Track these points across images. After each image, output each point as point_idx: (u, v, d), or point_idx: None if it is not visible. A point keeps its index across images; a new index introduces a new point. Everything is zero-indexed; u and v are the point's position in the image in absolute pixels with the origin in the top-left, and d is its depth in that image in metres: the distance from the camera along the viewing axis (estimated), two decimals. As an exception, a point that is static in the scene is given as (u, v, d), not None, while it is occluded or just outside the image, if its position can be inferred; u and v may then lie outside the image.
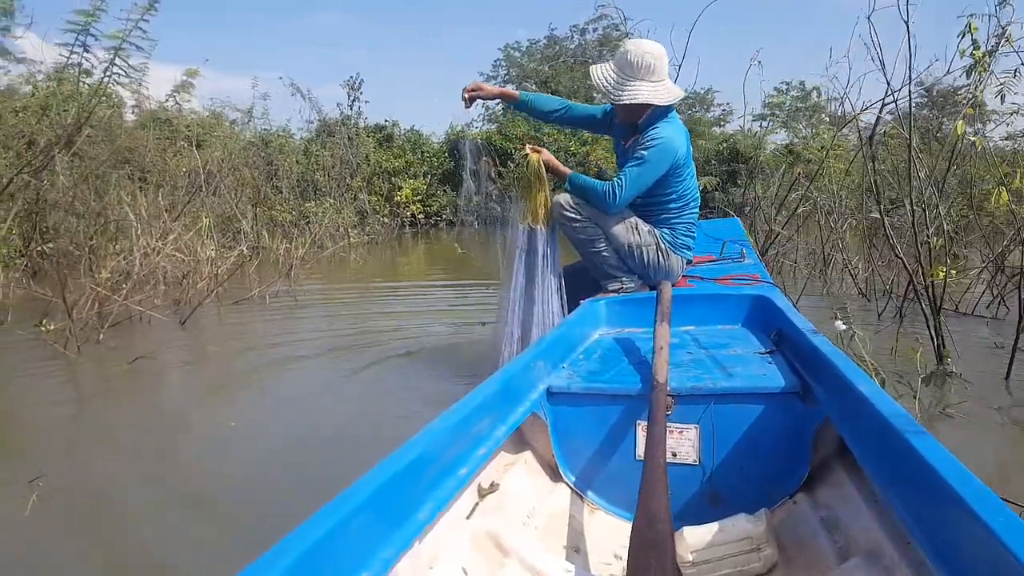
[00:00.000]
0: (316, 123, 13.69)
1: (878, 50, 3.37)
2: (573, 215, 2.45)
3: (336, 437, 2.32)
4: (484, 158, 2.85)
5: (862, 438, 1.16)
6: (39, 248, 6.10)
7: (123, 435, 2.36)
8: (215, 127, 10.48)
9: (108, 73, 4.29)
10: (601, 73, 2.39)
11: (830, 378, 1.34)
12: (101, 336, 3.57)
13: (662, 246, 2.49)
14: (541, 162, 2.49)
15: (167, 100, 6.48)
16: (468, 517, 1.18)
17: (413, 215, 14.31)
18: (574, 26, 24.85)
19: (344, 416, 2.51)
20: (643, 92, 2.33)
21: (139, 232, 5.41)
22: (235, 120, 11.85)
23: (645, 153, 2.35)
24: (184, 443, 2.28)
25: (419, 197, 14.56)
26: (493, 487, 1.27)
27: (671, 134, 2.38)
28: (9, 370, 3.15)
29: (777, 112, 24.16)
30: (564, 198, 2.48)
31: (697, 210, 2.63)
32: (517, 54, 25.17)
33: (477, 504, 1.22)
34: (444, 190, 15.37)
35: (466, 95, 2.55)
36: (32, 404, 2.71)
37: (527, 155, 2.50)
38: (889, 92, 3.55)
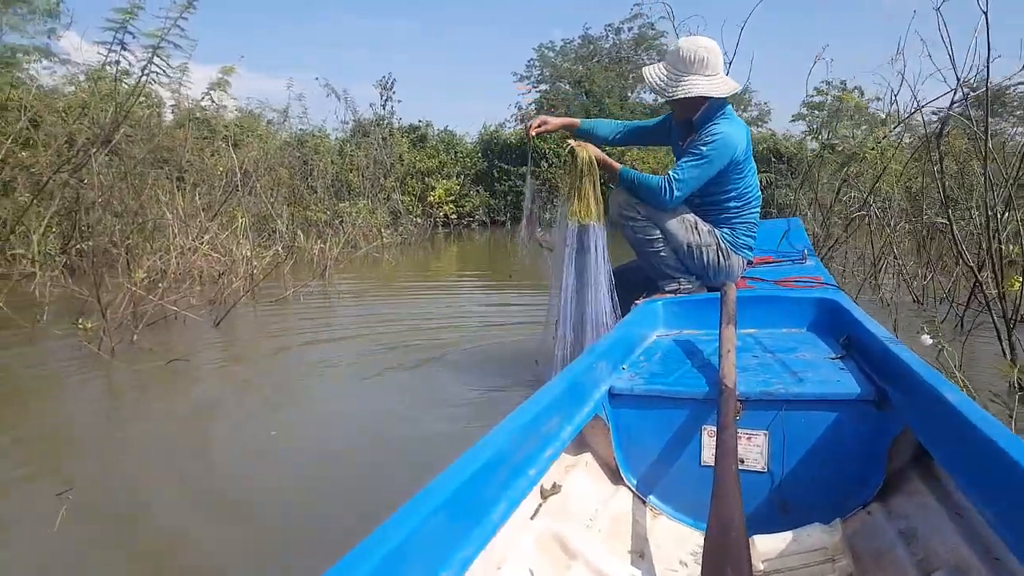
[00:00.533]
0: (351, 123, 13.73)
1: (947, 44, 3.16)
2: (632, 214, 2.41)
3: (378, 448, 2.22)
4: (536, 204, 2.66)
5: (950, 449, 1.12)
6: (78, 246, 6.16)
7: (158, 444, 2.28)
8: (253, 127, 10.52)
9: (146, 72, 4.26)
10: (654, 72, 2.39)
11: (910, 386, 1.29)
12: (135, 337, 3.52)
13: (722, 246, 2.44)
14: (592, 157, 2.40)
15: (203, 98, 6.48)
16: (532, 518, 1.17)
17: (446, 215, 14.28)
18: (609, 25, 24.66)
19: (387, 425, 2.41)
20: (698, 85, 2.31)
21: (176, 231, 5.42)
22: (272, 120, 11.94)
23: (703, 148, 2.30)
24: (221, 453, 2.20)
25: (452, 197, 14.53)
26: (555, 488, 1.26)
27: (729, 130, 2.33)
28: (43, 371, 3.12)
29: (817, 112, 23.74)
30: (622, 197, 2.44)
31: (758, 209, 2.56)
32: (551, 54, 25.03)
33: (540, 505, 1.21)
34: (477, 190, 15.33)
35: (532, 132, 2.53)
36: (66, 408, 2.66)
37: (573, 150, 2.40)
38: (960, 87, 3.33)
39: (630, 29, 24.35)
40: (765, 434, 1.39)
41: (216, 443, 2.28)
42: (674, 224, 2.41)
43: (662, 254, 2.43)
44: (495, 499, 0.99)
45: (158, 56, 4.12)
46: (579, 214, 2.38)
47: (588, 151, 2.40)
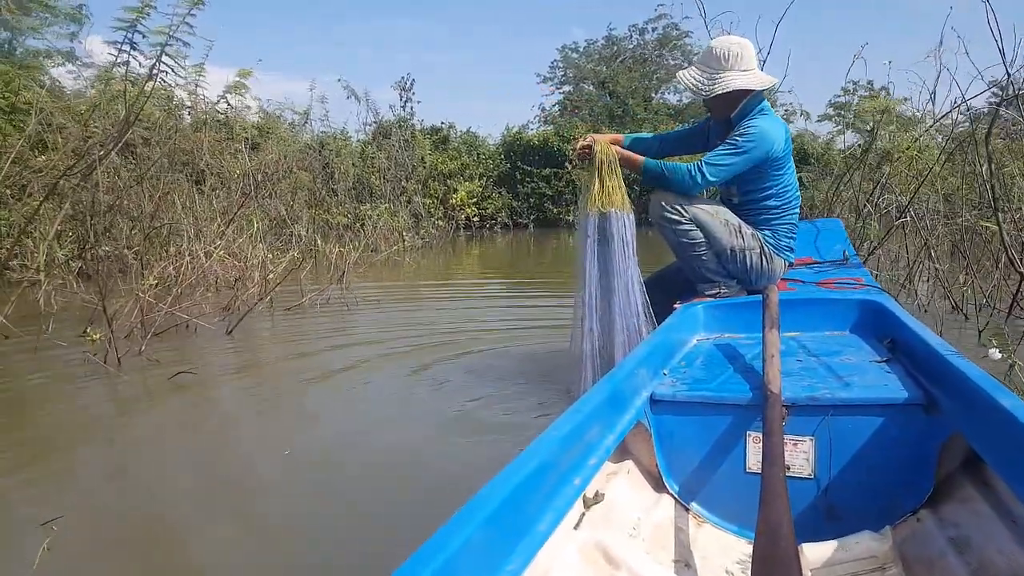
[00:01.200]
0: (373, 126, 13.62)
1: (996, 33, 2.87)
2: (675, 216, 2.37)
3: (397, 471, 2.00)
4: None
5: (1005, 455, 1.08)
6: (93, 252, 6.07)
7: (158, 469, 2.09)
8: (273, 129, 10.43)
9: (155, 70, 4.12)
10: (689, 75, 2.40)
11: (961, 390, 1.26)
12: (143, 347, 3.35)
13: (766, 249, 2.43)
14: (611, 151, 2.35)
15: (219, 101, 6.37)
16: (575, 528, 1.15)
17: (468, 218, 14.11)
18: (633, 26, 24.43)
19: (409, 445, 2.19)
20: (735, 80, 2.32)
21: (191, 236, 5.29)
22: (293, 122, 11.86)
23: (738, 139, 2.29)
24: (230, 478, 2.00)
25: (474, 200, 14.36)
26: (598, 497, 1.23)
27: (766, 125, 2.32)
28: (43, 385, 2.95)
29: (844, 113, 23.22)
30: (665, 197, 2.39)
31: (798, 210, 2.54)
32: (575, 55, 24.85)
33: (583, 514, 1.19)
34: (500, 192, 15.17)
35: (576, 154, 2.45)
36: (63, 427, 2.48)
37: (588, 145, 2.37)
38: (1010, 81, 3.04)
39: (654, 29, 24.11)
40: (811, 440, 1.37)
41: (225, 468, 2.08)
42: (718, 227, 2.38)
43: (703, 257, 2.40)
44: (541, 509, 0.98)
45: (167, 55, 3.95)
46: (599, 202, 2.30)
47: (604, 146, 2.34)
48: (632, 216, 2.33)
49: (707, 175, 2.29)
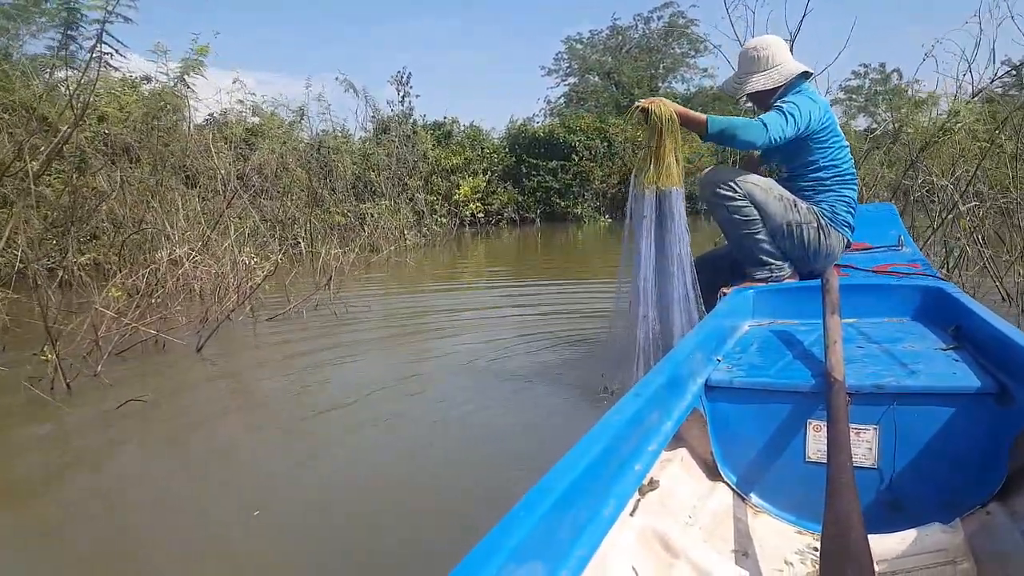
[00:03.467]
0: (373, 122, 13.21)
1: None
2: (728, 193, 2.29)
3: (390, 534, 1.58)
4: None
5: None
6: (64, 261, 5.71)
7: (88, 531, 1.69)
8: (265, 127, 10.00)
9: (96, 52, 3.69)
10: (728, 83, 2.53)
11: None
12: (100, 368, 2.96)
13: (822, 222, 2.35)
14: (672, 113, 2.21)
15: (175, 84, 5.96)
16: (632, 514, 1.11)
17: (473, 214, 13.70)
18: (638, 15, 24.03)
19: (400, 499, 1.78)
20: (756, 82, 2.41)
21: (175, 241, 4.90)
22: (290, 121, 11.44)
23: (783, 106, 2.26)
24: (166, 549, 1.59)
25: (479, 195, 13.95)
26: (653, 484, 1.21)
27: (801, 98, 2.31)
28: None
29: (855, 96, 22.65)
30: (718, 174, 2.35)
31: (855, 186, 2.46)
32: (579, 46, 24.45)
33: (639, 502, 1.16)
34: (505, 187, 14.76)
35: (634, 118, 2.33)
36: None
37: (646, 109, 2.22)
38: None
39: (660, 18, 23.69)
40: (875, 429, 1.34)
41: (173, 535, 1.66)
42: (772, 202, 2.33)
43: (758, 236, 2.33)
44: (604, 495, 0.96)
45: (108, 34, 3.51)
46: (658, 180, 2.21)
47: (665, 107, 2.21)
48: (683, 191, 2.27)
49: (773, 128, 2.18)
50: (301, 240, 6.55)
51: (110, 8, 3.51)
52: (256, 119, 10.36)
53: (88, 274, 5.64)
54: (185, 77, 5.92)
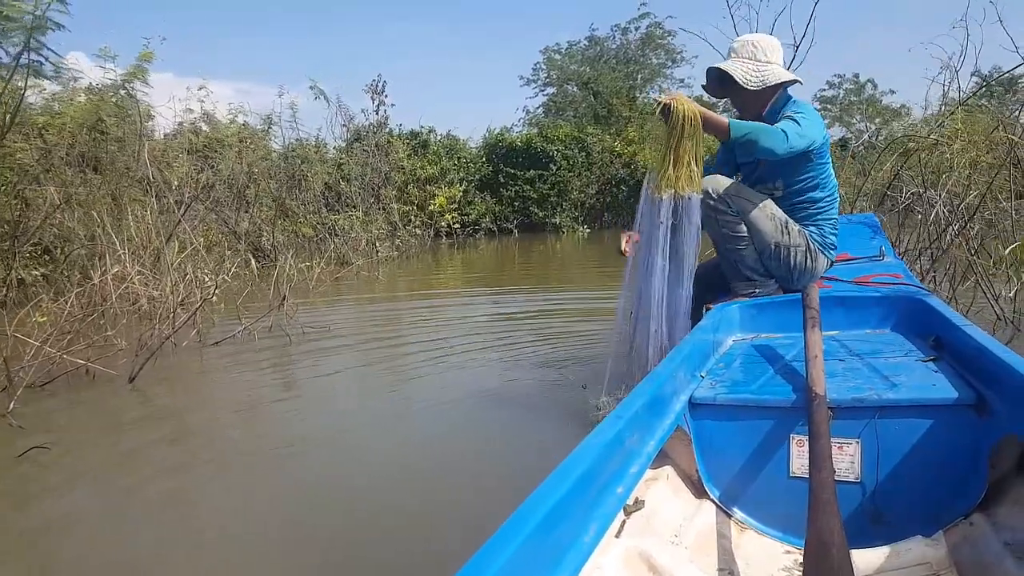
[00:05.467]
0: (347, 130, 12.87)
1: None
2: (721, 207, 2.22)
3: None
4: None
5: None
6: (18, 276, 5.34)
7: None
8: (225, 137, 9.58)
9: (23, 58, 3.36)
10: (737, 66, 2.27)
11: (1015, 389, 1.20)
12: (12, 406, 2.63)
13: (811, 247, 2.30)
14: (694, 112, 2.06)
15: (117, 92, 5.64)
16: (617, 536, 1.10)
17: (448, 224, 13.41)
18: (616, 25, 23.99)
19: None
20: (781, 73, 2.29)
21: (125, 257, 4.55)
22: (261, 130, 11.07)
23: (796, 116, 2.15)
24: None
25: (455, 206, 13.67)
26: (638, 504, 1.18)
27: (811, 108, 2.25)
28: None
29: (829, 106, 22.80)
30: (712, 185, 2.21)
31: (838, 205, 2.42)
32: (557, 56, 24.39)
33: (624, 522, 1.14)
34: (482, 197, 14.51)
35: (657, 112, 2.20)
36: None
37: (668, 105, 2.05)
38: None
39: (637, 29, 23.71)
40: (857, 443, 1.33)
41: None
42: (764, 221, 2.25)
43: (743, 252, 2.28)
44: (585, 520, 0.94)
45: (35, 40, 3.19)
46: (678, 183, 2.07)
47: (689, 105, 2.06)
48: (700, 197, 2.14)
49: (791, 136, 2.06)
50: (252, 256, 6.17)
51: (38, 13, 3.18)
52: (206, 127, 9.96)
53: (41, 291, 5.27)
54: (128, 84, 5.59)
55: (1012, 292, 3.60)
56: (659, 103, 2.08)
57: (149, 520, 1.80)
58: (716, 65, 2.28)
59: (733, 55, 2.30)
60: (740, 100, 2.34)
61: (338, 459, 2.17)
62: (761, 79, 2.25)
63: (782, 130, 2.07)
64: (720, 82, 2.31)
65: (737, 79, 2.23)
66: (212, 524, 1.76)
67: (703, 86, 2.39)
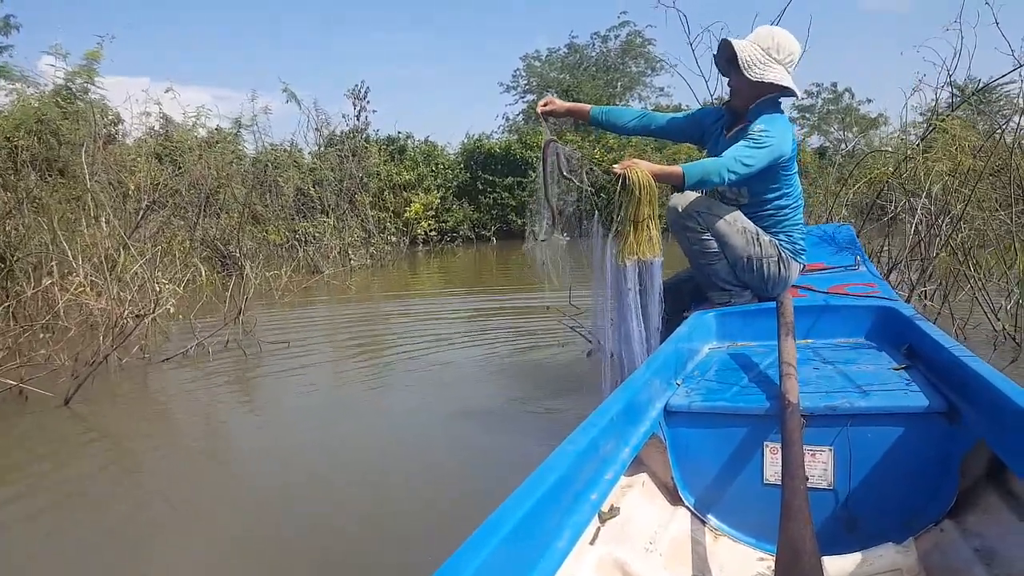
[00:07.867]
0: (320, 135, 12.58)
1: None
2: (691, 224, 2.27)
3: None
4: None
5: None
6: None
7: None
8: (183, 141, 9.24)
9: None
10: (747, 48, 2.26)
11: (985, 397, 1.22)
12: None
13: (783, 255, 2.33)
14: (647, 176, 2.07)
15: (63, 91, 5.39)
16: (592, 543, 1.09)
17: (425, 232, 13.18)
18: (595, 33, 24.06)
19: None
20: (784, 76, 2.26)
21: (76, 266, 4.26)
22: (232, 133, 10.74)
23: (759, 135, 2.18)
24: None
25: (432, 213, 13.44)
26: (613, 511, 1.17)
27: (783, 123, 2.29)
28: None
29: (807, 115, 22.99)
30: (680, 202, 2.26)
31: (803, 210, 2.47)
32: (537, 63, 24.39)
33: (599, 529, 1.12)
34: (460, 204, 14.30)
35: (540, 110, 2.52)
36: None
37: (623, 176, 2.06)
38: None
39: (617, 37, 23.79)
40: (830, 450, 1.34)
41: None
42: (734, 236, 2.28)
43: (716, 267, 2.32)
44: (559, 526, 0.95)
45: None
46: (639, 250, 2.09)
47: (640, 170, 2.07)
48: (662, 259, 2.15)
49: (734, 171, 2.10)
50: (221, 263, 5.90)
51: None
52: (161, 130, 9.63)
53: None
54: (71, 83, 5.34)
55: (1010, 305, 3.47)
56: (615, 175, 2.11)
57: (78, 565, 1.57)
58: (730, 39, 2.27)
59: (753, 38, 2.29)
60: (735, 82, 2.34)
61: (293, 479, 1.96)
62: (761, 72, 2.23)
63: (735, 159, 2.12)
64: (728, 60, 2.30)
65: (740, 60, 2.22)
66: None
67: (713, 56, 2.42)
